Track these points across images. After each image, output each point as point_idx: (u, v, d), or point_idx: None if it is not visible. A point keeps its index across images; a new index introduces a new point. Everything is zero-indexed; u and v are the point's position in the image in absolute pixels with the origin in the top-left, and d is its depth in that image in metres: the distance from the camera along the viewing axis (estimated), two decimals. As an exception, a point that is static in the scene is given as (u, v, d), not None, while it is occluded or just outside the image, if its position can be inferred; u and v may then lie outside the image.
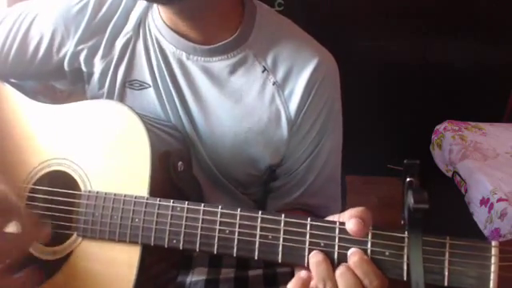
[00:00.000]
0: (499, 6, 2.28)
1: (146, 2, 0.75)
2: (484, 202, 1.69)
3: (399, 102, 2.45)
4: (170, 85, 0.75)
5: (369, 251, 0.52)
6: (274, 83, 0.74)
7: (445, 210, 1.52)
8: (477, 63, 2.38)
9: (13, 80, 0.79)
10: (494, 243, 0.48)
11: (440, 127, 2.19)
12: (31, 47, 0.78)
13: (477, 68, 2.39)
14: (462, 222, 1.77)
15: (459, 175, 1.90)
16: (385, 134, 2.37)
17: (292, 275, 0.85)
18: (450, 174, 2.00)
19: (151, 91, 0.76)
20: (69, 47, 0.77)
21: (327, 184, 0.81)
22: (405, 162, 0.49)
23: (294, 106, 0.74)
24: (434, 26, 2.34)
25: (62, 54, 0.78)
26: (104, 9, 0.76)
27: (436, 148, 2.17)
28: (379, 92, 2.42)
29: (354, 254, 0.52)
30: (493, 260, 0.48)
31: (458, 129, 2.13)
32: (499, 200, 1.61)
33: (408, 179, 0.49)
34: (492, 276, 0.48)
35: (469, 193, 1.80)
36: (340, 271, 0.51)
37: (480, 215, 1.70)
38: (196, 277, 0.85)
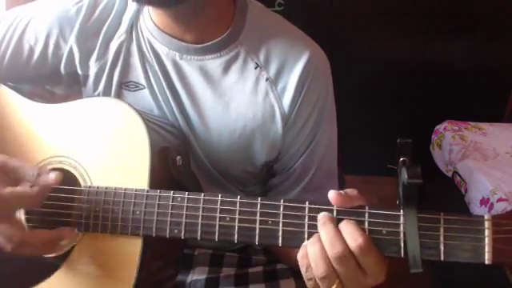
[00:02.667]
0: (499, 5, 2.28)
1: (136, 5, 0.76)
2: (484, 202, 1.68)
3: (399, 101, 2.45)
4: (165, 85, 0.75)
5: (367, 231, 0.53)
6: (266, 79, 0.74)
7: (445, 210, 1.51)
8: (477, 63, 2.37)
9: (9, 83, 0.79)
10: (486, 216, 0.48)
11: (440, 127, 2.19)
12: (26, 50, 0.79)
13: (477, 68, 2.38)
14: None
15: (459, 175, 1.89)
16: (385, 134, 2.36)
17: (292, 271, 0.86)
18: (450, 174, 1.99)
19: (146, 92, 0.77)
20: (64, 50, 0.78)
21: (326, 179, 0.81)
22: (398, 141, 0.50)
23: (287, 101, 0.75)
24: (434, 25, 2.33)
25: (57, 57, 0.79)
26: (97, 12, 0.77)
27: (436, 148, 2.16)
28: (379, 92, 2.42)
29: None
30: (486, 233, 0.49)
31: (457, 129, 2.12)
32: (499, 200, 1.60)
33: (401, 159, 0.50)
34: (486, 248, 0.49)
35: (469, 193, 1.79)
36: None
37: (480, 215, 1.70)
38: (197, 276, 0.85)
